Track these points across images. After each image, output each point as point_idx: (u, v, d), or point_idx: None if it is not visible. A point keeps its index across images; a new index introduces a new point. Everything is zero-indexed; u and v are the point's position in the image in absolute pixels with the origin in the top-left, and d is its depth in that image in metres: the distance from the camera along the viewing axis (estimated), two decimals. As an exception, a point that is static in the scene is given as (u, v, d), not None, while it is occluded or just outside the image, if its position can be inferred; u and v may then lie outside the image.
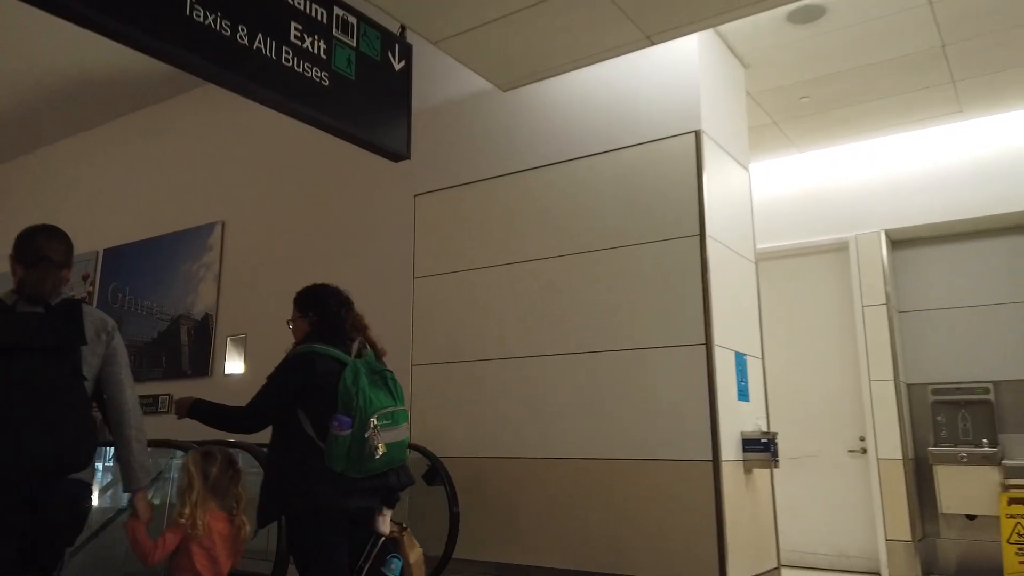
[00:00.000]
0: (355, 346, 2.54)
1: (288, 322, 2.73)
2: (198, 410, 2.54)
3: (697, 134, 3.31)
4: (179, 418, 2.56)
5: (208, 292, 4.96)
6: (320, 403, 2.36)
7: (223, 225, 5.05)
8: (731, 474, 3.10)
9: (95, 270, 5.70)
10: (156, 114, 5.76)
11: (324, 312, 2.61)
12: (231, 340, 4.78)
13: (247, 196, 5.01)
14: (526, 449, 3.51)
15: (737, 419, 3.25)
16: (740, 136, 3.82)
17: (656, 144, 3.40)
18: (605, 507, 3.25)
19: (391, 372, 2.56)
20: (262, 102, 2.68)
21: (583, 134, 3.61)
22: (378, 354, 2.62)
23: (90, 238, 5.83)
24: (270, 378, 2.50)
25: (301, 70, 2.68)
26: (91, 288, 5.66)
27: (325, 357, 2.45)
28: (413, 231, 4.13)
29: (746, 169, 3.84)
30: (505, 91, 3.66)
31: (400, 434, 2.43)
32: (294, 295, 2.72)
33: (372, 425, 2.30)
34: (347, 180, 4.50)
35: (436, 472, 3.49)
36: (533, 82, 3.60)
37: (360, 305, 4.64)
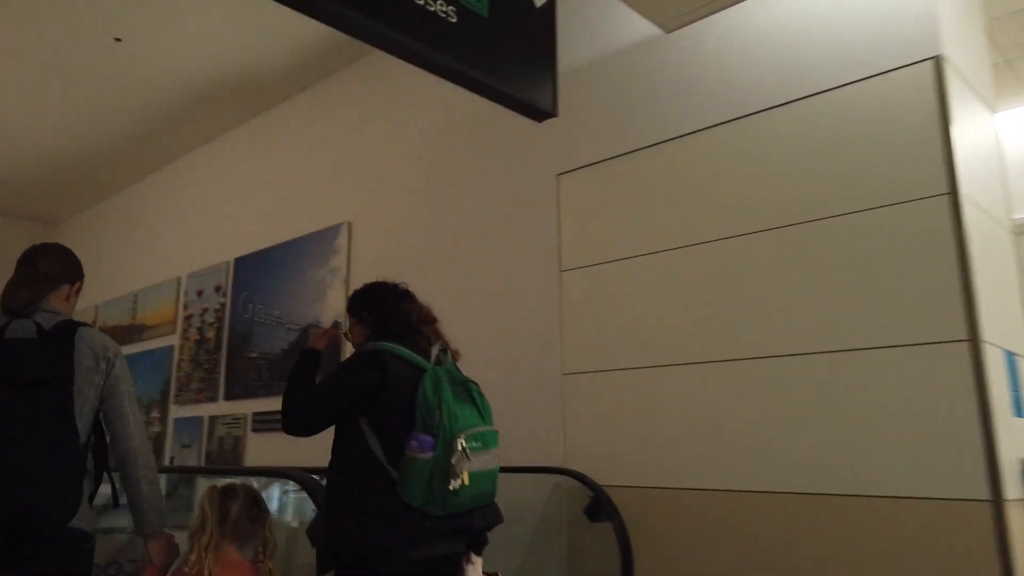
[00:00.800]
0: (434, 350, 2.10)
1: (345, 334, 2.37)
2: (299, 363, 2.18)
3: (937, 61, 2.47)
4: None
5: (336, 299, 4.58)
6: (392, 416, 1.94)
7: (349, 226, 4.67)
8: (1020, 519, 2.23)
9: (227, 281, 5.51)
10: (277, 117, 5.52)
11: (381, 307, 2.22)
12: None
13: (373, 193, 4.60)
14: (711, 479, 2.77)
15: (1016, 442, 2.36)
16: (984, 71, 2.92)
17: (880, 79, 2.58)
18: (823, 560, 2.45)
19: (476, 384, 2.11)
20: (376, 42, 2.15)
21: (774, 78, 2.85)
22: (455, 358, 2.19)
23: (222, 248, 5.66)
24: (328, 376, 2.07)
25: (423, 2, 2.13)
26: (224, 299, 5.47)
27: (398, 359, 2.01)
28: (557, 217, 3.51)
29: (993, 113, 2.93)
30: (668, 32, 2.97)
31: (491, 461, 1.99)
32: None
33: (460, 447, 1.86)
34: (479, 166, 3.96)
35: (601, 505, 2.83)
36: (705, 16, 2.89)
37: (500, 305, 4.02)
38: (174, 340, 5.94)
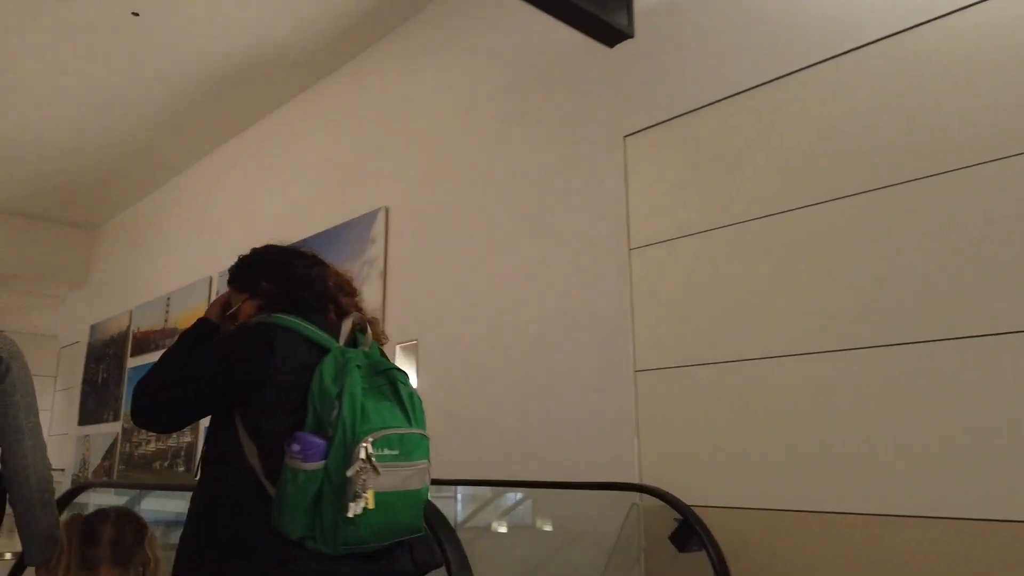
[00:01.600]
0: (346, 325, 1.59)
1: (231, 315, 1.76)
2: (181, 336, 1.71)
3: None
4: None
5: (374, 293, 4.13)
6: (277, 414, 1.46)
7: (386, 212, 4.21)
8: None
9: (259, 278, 5.11)
10: (306, 101, 5.11)
11: (285, 273, 1.70)
12: (401, 349, 3.89)
13: (412, 175, 4.13)
14: (826, 499, 2.21)
15: None
16: None
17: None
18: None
19: (404, 373, 1.60)
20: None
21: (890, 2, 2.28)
22: (380, 340, 1.71)
23: (251, 244, 5.27)
24: (196, 356, 1.60)
25: None
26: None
27: (295, 337, 1.52)
28: (624, 186, 2.98)
29: None
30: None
31: (414, 478, 1.45)
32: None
33: (363, 455, 1.34)
34: (532, 135, 3.46)
35: (692, 531, 2.27)
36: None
37: (559, 293, 3.52)
38: (206, 344, 5.57)
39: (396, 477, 1.39)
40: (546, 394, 3.10)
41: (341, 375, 1.43)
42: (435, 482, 1.64)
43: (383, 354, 1.68)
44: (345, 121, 4.74)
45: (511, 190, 3.50)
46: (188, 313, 5.87)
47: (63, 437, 7.63)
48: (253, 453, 1.45)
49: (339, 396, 1.39)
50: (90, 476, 6.83)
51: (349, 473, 1.32)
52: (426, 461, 1.50)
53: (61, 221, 7.79)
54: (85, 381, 7.36)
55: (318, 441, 1.37)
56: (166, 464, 5.68)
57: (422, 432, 1.52)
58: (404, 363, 3.85)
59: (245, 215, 5.53)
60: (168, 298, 6.21)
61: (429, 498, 1.56)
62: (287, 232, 4.93)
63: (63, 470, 7.16)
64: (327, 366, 1.45)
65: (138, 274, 6.91)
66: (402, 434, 1.43)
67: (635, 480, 2.65)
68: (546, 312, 3.18)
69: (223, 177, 5.99)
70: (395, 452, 1.40)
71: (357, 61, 4.74)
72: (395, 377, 1.54)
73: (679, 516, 2.33)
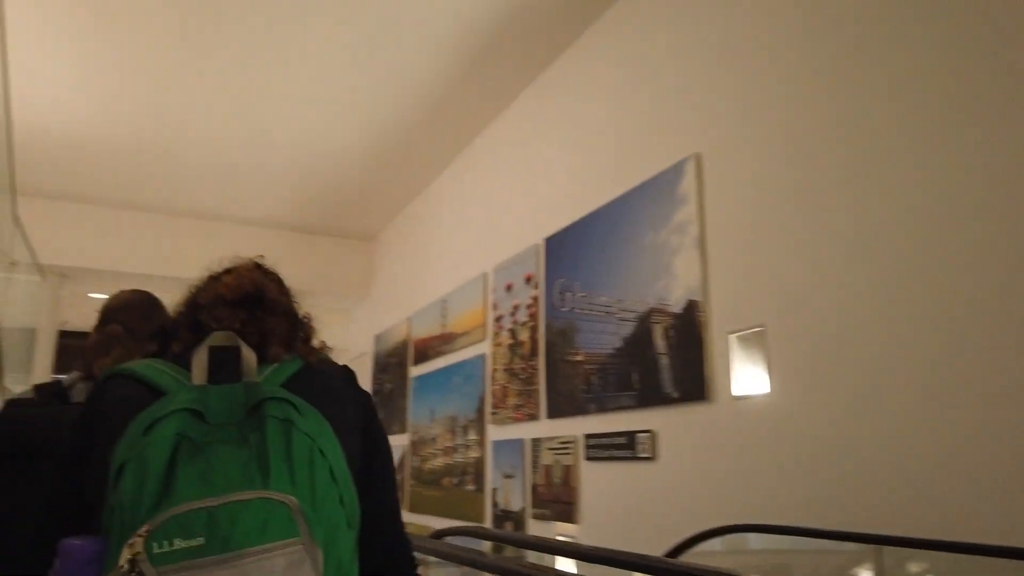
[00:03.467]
0: (200, 353, 1.06)
1: None
2: None
3: None
4: None
5: (688, 267, 3.14)
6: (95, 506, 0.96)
7: (697, 160, 3.20)
8: None
9: (538, 268, 4.39)
10: (575, 54, 4.27)
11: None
12: (737, 339, 2.86)
13: (729, 107, 3.08)
14: None
15: None
16: None
17: None
18: None
19: (292, 404, 0.99)
20: None
21: None
22: (286, 358, 1.14)
23: (529, 229, 4.58)
24: None
25: None
26: (536, 291, 4.35)
27: (131, 380, 1.05)
28: None
29: None
30: None
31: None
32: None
33: (125, 557, 0.80)
34: (903, 32, 2.24)
35: None
36: None
37: (951, 265, 1.83)
38: (485, 347, 5.01)
39: None
40: (900, 409, 1.87)
41: (148, 426, 0.93)
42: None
43: (308, 380, 1.11)
44: (631, 64, 3.82)
45: (875, 115, 2.29)
46: (464, 314, 5.37)
47: (358, 448, 7.67)
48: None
49: (122, 468, 0.90)
50: (384, 489, 6.68)
51: None
52: (283, 543, 0.86)
53: (341, 235, 7.91)
54: (374, 392, 7.32)
55: (83, 546, 0.90)
56: (455, 482, 5.21)
57: (267, 495, 0.88)
58: (743, 357, 2.80)
59: (517, 199, 4.87)
60: (444, 301, 5.80)
61: None
62: (569, 209, 4.14)
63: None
64: (133, 423, 0.95)
65: (414, 280, 6.66)
66: (213, 507, 0.85)
67: None
68: (971, 294, 1.94)
69: (488, 166, 5.42)
70: (196, 542, 0.83)
71: (624, 2, 3.82)
72: (266, 411, 0.97)
73: None
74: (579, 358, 3.83)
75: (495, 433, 4.72)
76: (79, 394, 1.59)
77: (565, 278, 4.07)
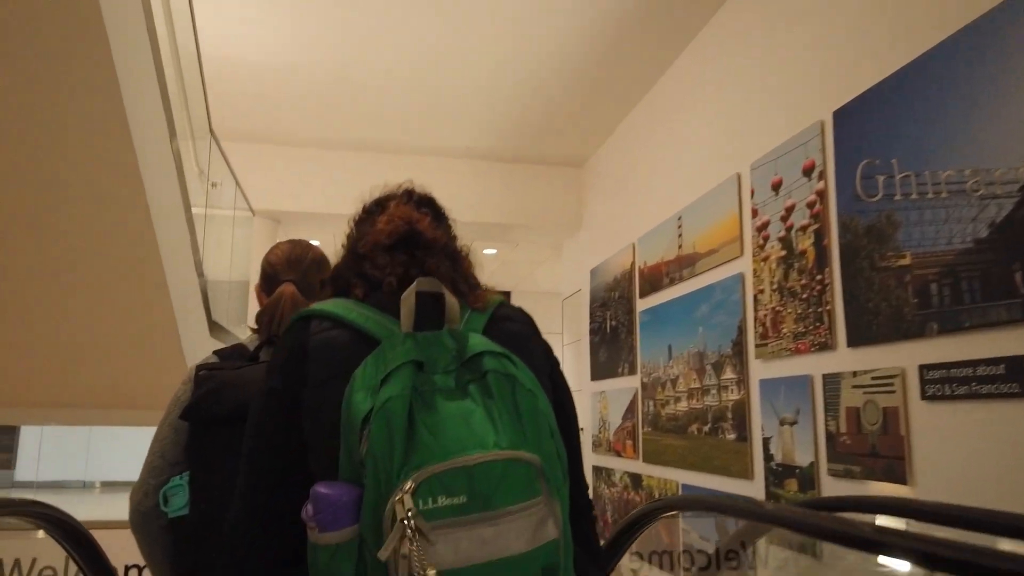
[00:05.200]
0: (409, 297, 0.99)
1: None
2: None
3: None
4: None
5: None
6: (314, 449, 0.95)
7: None
8: None
9: (823, 152, 3.34)
10: None
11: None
12: None
13: None
14: None
15: None
16: None
17: None
18: None
19: (510, 359, 0.96)
20: None
21: None
22: (477, 305, 1.08)
23: (805, 107, 3.54)
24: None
25: None
26: (822, 183, 3.32)
27: (334, 324, 1.00)
28: None
29: None
30: None
31: (510, 537, 0.83)
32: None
33: (402, 512, 0.79)
34: None
35: None
36: None
37: None
38: (743, 266, 4.04)
39: (469, 542, 0.80)
40: None
41: (375, 374, 0.90)
42: None
43: (497, 328, 1.05)
44: None
45: None
46: (709, 229, 4.42)
47: (577, 394, 7.03)
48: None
49: (367, 418, 0.85)
50: (611, 437, 6.01)
51: (382, 555, 0.79)
52: (532, 501, 0.86)
53: (546, 162, 7.19)
54: (592, 331, 6.62)
55: (339, 494, 0.84)
56: (706, 429, 4.35)
57: (516, 455, 0.86)
58: None
59: (785, 72, 3.79)
60: (679, 217, 4.88)
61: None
62: (867, 70, 3.05)
63: (583, 429, 6.52)
64: (363, 370, 0.91)
65: (636, 200, 5.80)
66: (470, 466, 0.83)
67: None
68: None
69: (729, 50, 4.35)
70: (458, 500, 0.82)
71: None
72: (486, 366, 0.92)
73: None
74: (904, 261, 2.77)
75: (763, 370, 3.78)
76: (268, 355, 1.52)
77: (875, 155, 2.99)
